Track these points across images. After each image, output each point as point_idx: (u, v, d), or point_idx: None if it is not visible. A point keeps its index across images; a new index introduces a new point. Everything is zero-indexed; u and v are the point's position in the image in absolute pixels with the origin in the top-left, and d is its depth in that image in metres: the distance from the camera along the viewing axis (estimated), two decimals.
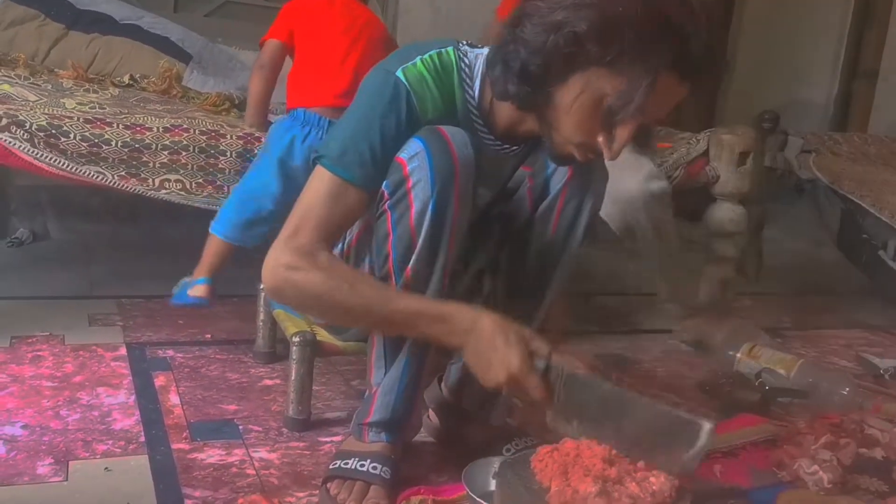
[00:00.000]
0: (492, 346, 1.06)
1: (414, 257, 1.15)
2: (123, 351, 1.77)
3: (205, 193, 1.72)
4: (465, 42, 1.23)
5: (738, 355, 1.95)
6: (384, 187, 1.15)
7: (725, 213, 2.21)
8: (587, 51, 1.03)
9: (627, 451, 1.05)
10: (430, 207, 1.13)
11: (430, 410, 1.47)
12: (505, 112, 1.19)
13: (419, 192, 1.13)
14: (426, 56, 1.18)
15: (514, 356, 1.05)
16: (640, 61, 1.01)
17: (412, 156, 1.12)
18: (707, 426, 1.00)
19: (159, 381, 1.63)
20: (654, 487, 0.96)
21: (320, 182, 1.14)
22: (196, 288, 1.83)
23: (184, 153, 1.73)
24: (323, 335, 1.46)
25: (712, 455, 1.47)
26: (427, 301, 1.14)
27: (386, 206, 1.16)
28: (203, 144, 1.76)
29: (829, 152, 2.94)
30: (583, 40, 1.03)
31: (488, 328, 1.07)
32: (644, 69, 1.01)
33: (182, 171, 1.71)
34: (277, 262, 1.11)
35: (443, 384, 1.45)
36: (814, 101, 4.76)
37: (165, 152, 1.72)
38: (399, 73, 1.15)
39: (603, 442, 1.05)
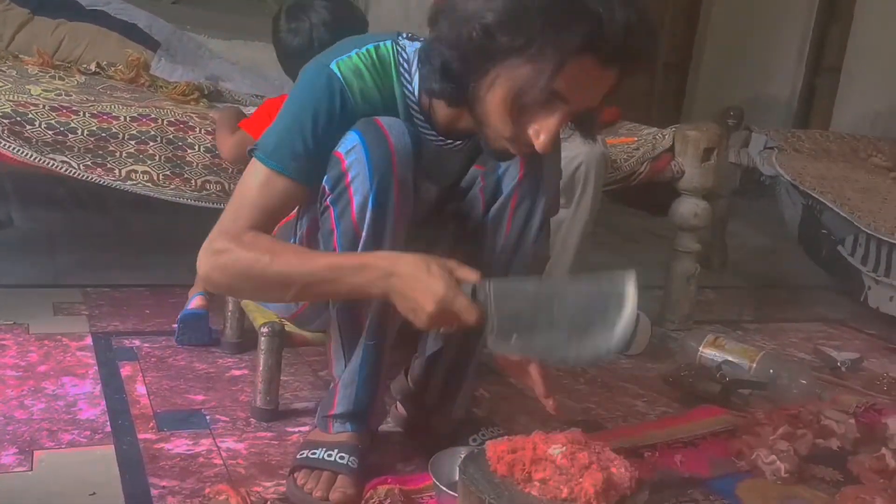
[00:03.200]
0: (415, 281, 1.06)
1: (360, 251, 1.16)
2: (89, 340, 1.75)
3: (172, 186, 1.70)
4: (405, 35, 1.22)
5: (702, 347, 1.99)
6: (324, 183, 1.16)
7: (690, 207, 2.25)
8: (499, 42, 1.02)
9: (566, 347, 1.04)
10: (370, 200, 1.13)
11: (397, 401, 1.48)
12: (442, 108, 1.19)
13: (358, 186, 1.13)
14: (363, 50, 1.17)
15: (438, 284, 1.05)
16: (552, 46, 0.99)
17: (349, 149, 1.13)
18: (629, 283, 1.01)
19: (126, 370, 1.62)
20: (614, 479, 0.98)
21: (254, 174, 1.15)
22: (195, 301, 1.84)
23: (151, 143, 1.72)
24: (291, 326, 1.47)
25: (673, 445, 1.51)
26: (346, 255, 1.15)
27: (328, 201, 1.16)
28: (171, 136, 1.75)
29: (791, 149, 3.00)
30: (493, 31, 1.02)
31: (408, 266, 1.07)
32: (558, 54, 0.99)
33: (150, 162, 1.70)
34: (207, 249, 1.13)
35: (408, 375, 1.47)
36: (778, 97, 4.84)
37: (132, 142, 1.70)
38: (333, 66, 1.14)
39: (545, 347, 1.05)
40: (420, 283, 1.05)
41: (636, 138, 2.31)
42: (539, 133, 1.07)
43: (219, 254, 1.12)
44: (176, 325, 1.81)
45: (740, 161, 2.99)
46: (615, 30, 0.99)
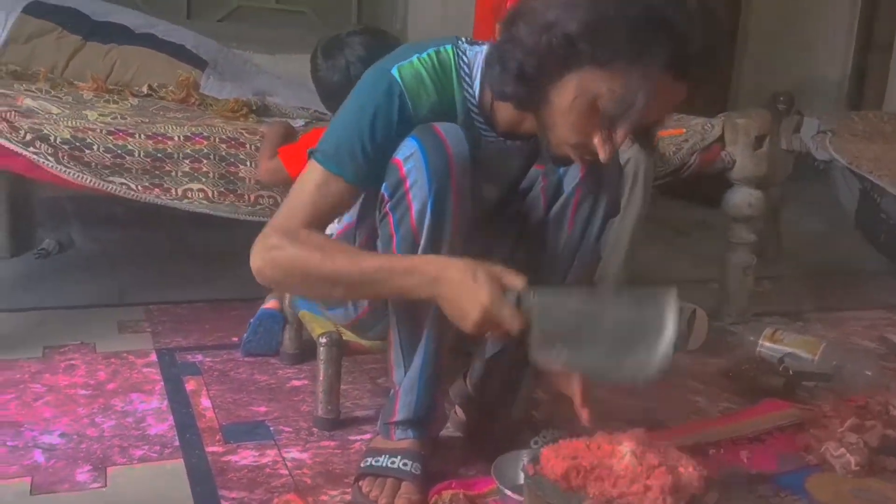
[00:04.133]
0: (461, 287, 1.06)
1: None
2: (154, 357, 1.80)
3: (227, 202, 1.74)
4: (464, 39, 1.23)
5: (761, 340, 1.96)
6: (383, 190, 1.17)
7: (743, 197, 2.21)
8: (579, 51, 1.03)
9: (605, 365, 1.05)
10: (428, 206, 1.14)
11: (457, 406, 1.49)
12: (506, 112, 1.20)
13: (417, 192, 1.14)
14: (424, 55, 1.19)
15: (483, 291, 1.05)
16: (634, 62, 1.00)
17: (408, 156, 1.14)
18: (669, 304, 1.00)
19: (190, 385, 1.66)
20: (681, 480, 0.97)
21: (312, 175, 1.17)
22: (270, 302, 1.89)
23: (205, 161, 1.75)
24: (348, 335, 1.49)
25: (739, 441, 1.49)
26: (396, 257, 1.16)
27: (387, 208, 1.18)
28: (223, 153, 1.78)
29: (845, 132, 2.92)
30: (574, 41, 1.03)
31: (456, 272, 1.07)
32: (639, 70, 1.00)
33: (204, 180, 1.73)
34: (261, 244, 1.15)
35: (467, 380, 1.47)
36: (828, 78, 4.72)
37: (187, 161, 1.74)
38: (394, 71, 1.16)
39: (586, 364, 1.05)
40: (466, 289, 1.06)
41: (684, 129, 2.27)
42: (605, 143, 1.08)
43: (272, 249, 1.14)
44: (250, 324, 1.84)
45: (793, 147, 2.93)
46: (695, 49, 1.00)
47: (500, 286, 1.07)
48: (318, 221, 1.17)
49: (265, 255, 1.15)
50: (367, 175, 1.16)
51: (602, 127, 1.07)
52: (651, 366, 1.01)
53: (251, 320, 1.86)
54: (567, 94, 1.07)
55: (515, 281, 1.08)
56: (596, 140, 1.09)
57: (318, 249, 1.13)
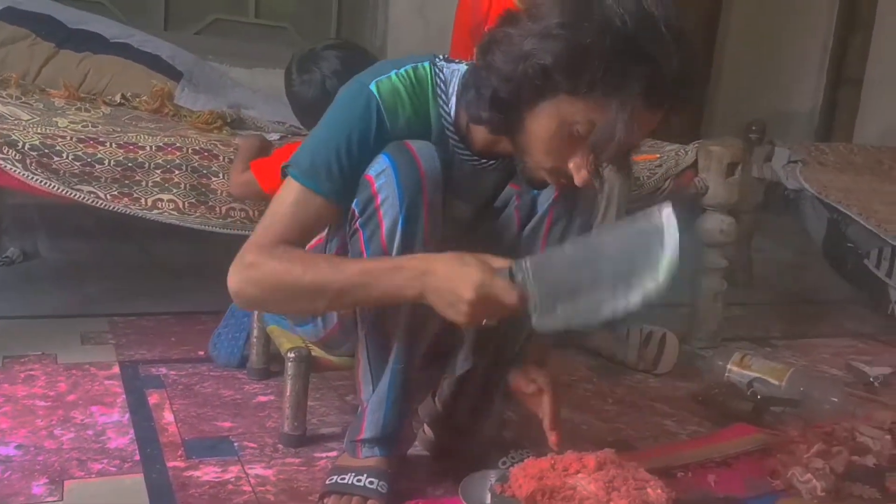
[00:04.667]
0: (451, 273, 1.05)
1: None
2: (117, 369, 1.76)
3: (197, 214, 1.71)
4: (441, 56, 1.24)
5: (729, 365, 1.97)
6: (354, 206, 1.16)
7: (715, 223, 2.23)
8: (554, 81, 1.04)
9: (614, 299, 1.00)
10: (399, 224, 1.13)
11: (425, 424, 1.47)
12: (480, 132, 1.20)
13: (388, 209, 1.13)
14: (402, 70, 1.19)
15: (473, 270, 1.04)
16: (609, 91, 1.01)
17: (379, 172, 1.13)
18: (667, 213, 0.97)
19: (153, 398, 1.63)
20: (650, 499, 0.96)
21: (288, 192, 1.16)
22: None
23: (176, 172, 1.73)
24: (317, 351, 1.47)
25: (706, 465, 1.49)
26: (379, 259, 1.14)
27: (357, 224, 1.17)
28: (196, 164, 1.76)
29: (815, 162, 2.98)
30: (549, 71, 1.03)
31: (443, 262, 1.06)
32: (614, 99, 1.01)
33: (175, 191, 1.71)
34: (238, 264, 1.13)
35: (436, 398, 1.46)
36: (799, 110, 4.81)
37: (158, 171, 1.72)
38: (372, 86, 1.15)
39: (594, 308, 1.01)
40: (455, 274, 1.04)
41: (658, 155, 2.30)
42: (580, 168, 1.08)
43: (250, 267, 1.12)
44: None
45: (764, 176, 2.97)
46: (671, 76, 1.01)
47: (489, 267, 1.05)
48: (296, 238, 1.15)
49: (244, 273, 1.12)
50: (343, 191, 1.15)
51: (578, 152, 1.08)
52: (659, 278, 0.97)
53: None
54: (542, 122, 1.08)
55: (503, 262, 1.07)
56: (571, 165, 1.09)
57: (298, 261, 1.11)
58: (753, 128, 3.05)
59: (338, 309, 1.25)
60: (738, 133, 2.94)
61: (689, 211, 2.27)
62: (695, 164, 2.23)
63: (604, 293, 1.01)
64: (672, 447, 1.59)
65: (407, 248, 1.14)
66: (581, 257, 1.05)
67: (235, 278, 1.13)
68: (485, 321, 1.08)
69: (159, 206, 1.70)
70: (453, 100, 1.20)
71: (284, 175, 1.19)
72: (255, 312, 1.75)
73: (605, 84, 1.01)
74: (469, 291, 1.03)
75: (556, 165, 1.11)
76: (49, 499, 1.22)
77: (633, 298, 0.99)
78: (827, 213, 2.71)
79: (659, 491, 1.00)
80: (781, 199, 2.98)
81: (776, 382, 1.87)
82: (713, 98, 4.63)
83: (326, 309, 1.25)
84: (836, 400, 1.78)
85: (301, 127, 2.22)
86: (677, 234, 0.97)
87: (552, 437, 1.21)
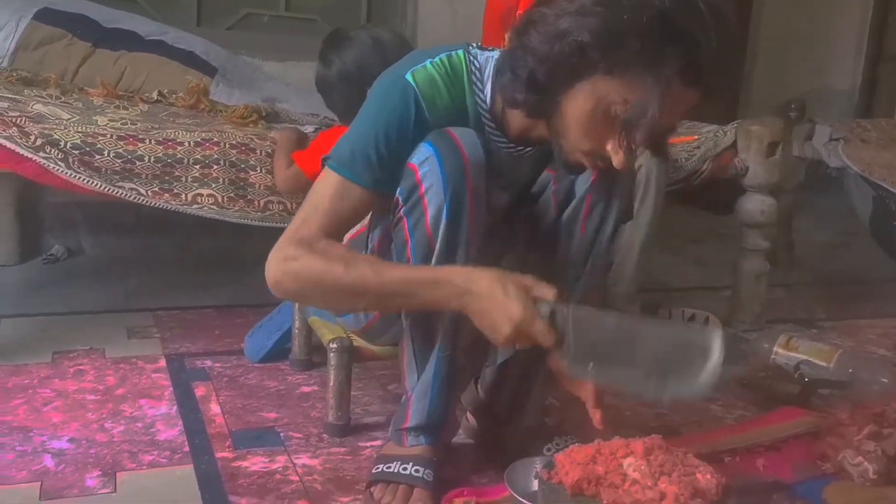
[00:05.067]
0: (491, 300, 1.05)
1: (434, 261, 1.16)
2: (163, 363, 1.79)
3: (236, 208, 1.73)
4: (475, 45, 1.23)
5: (775, 347, 1.94)
6: (398, 194, 1.16)
7: (756, 204, 2.19)
8: (591, 59, 1.03)
9: (645, 384, 1.04)
10: (444, 211, 1.13)
11: (468, 412, 1.48)
12: (516, 117, 1.19)
13: (433, 197, 1.13)
14: (436, 59, 1.18)
15: (515, 305, 1.04)
16: (646, 70, 1.00)
17: (423, 161, 1.13)
18: (717, 337, 1.00)
19: (200, 391, 1.65)
20: (700, 485, 0.95)
21: (327, 182, 1.16)
22: None
23: (215, 167, 1.75)
24: (359, 341, 1.47)
25: (754, 449, 1.47)
26: (421, 268, 1.14)
27: (402, 212, 1.17)
28: (233, 158, 1.78)
29: (857, 139, 2.91)
30: (586, 49, 1.02)
31: (485, 284, 1.06)
32: (652, 78, 1.00)
33: (214, 185, 1.73)
34: (277, 255, 1.13)
35: (479, 386, 1.46)
36: (838, 88, 4.71)
37: (197, 166, 1.73)
38: (408, 76, 1.15)
39: (621, 383, 1.05)
40: (497, 303, 1.05)
41: (696, 136, 2.26)
42: (618, 150, 1.07)
43: (290, 260, 1.12)
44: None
45: (805, 154, 2.91)
46: (708, 53, 0.99)
47: (530, 299, 1.06)
48: (335, 230, 1.16)
49: (282, 266, 1.12)
50: (383, 180, 1.15)
51: (615, 134, 1.06)
52: (692, 390, 1.01)
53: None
54: (579, 102, 1.07)
55: (546, 292, 1.07)
56: (609, 147, 1.08)
57: (340, 261, 1.11)
58: (793, 106, 2.99)
59: (378, 311, 1.26)
60: (776, 112, 2.88)
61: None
62: (734, 145, 2.19)
63: (636, 376, 1.04)
64: (719, 432, 1.57)
65: (452, 235, 1.14)
66: (624, 334, 1.06)
67: (274, 270, 1.13)
68: (518, 345, 1.10)
69: (199, 200, 1.71)
70: (489, 86, 1.20)
71: (323, 165, 1.19)
72: (297, 304, 1.76)
73: (642, 62, 1.00)
74: (507, 326, 1.05)
75: (593, 148, 1.10)
76: (102, 491, 1.25)
77: (663, 395, 1.05)
78: (872, 190, 2.65)
79: (709, 476, 0.98)
80: (823, 178, 2.92)
81: (824, 364, 1.83)
82: (750, 77, 4.55)
83: (366, 309, 1.26)
84: (885, 381, 1.74)
85: (334, 119, 2.23)
86: (720, 362, 1.00)
87: (596, 416, 1.19)
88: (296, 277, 1.13)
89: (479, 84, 1.20)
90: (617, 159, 1.08)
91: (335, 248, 1.13)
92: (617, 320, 1.09)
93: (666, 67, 0.99)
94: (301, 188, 1.74)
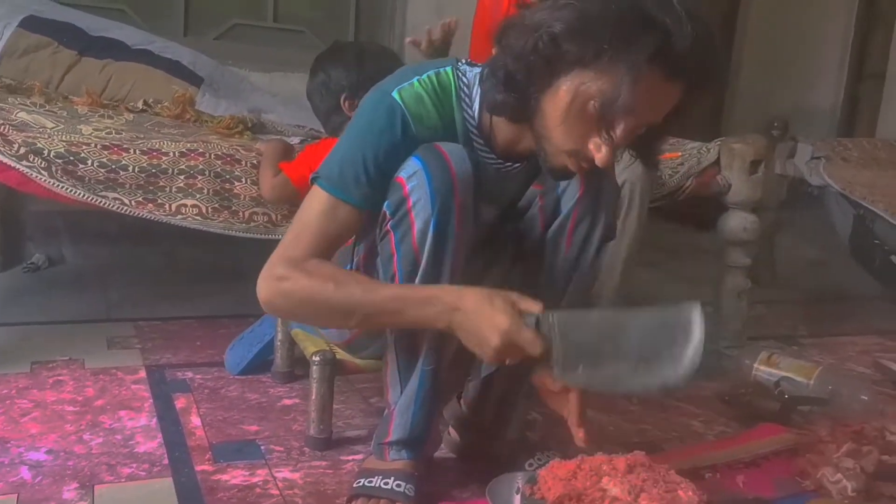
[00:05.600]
0: (479, 315, 1.07)
1: (419, 275, 1.16)
2: (143, 374, 1.78)
3: (221, 218, 1.72)
4: (463, 61, 1.24)
5: (756, 364, 1.95)
6: (385, 208, 1.16)
7: (739, 221, 2.21)
8: (566, 52, 1.04)
9: (633, 377, 1.05)
10: (431, 225, 1.13)
11: (451, 427, 1.47)
12: (503, 129, 1.20)
13: (420, 211, 1.13)
14: (423, 77, 1.19)
15: (501, 317, 1.05)
16: (620, 60, 1.00)
17: (411, 175, 1.13)
18: (696, 311, 1.01)
19: (180, 403, 1.64)
20: (682, 502, 0.96)
21: (316, 201, 1.16)
22: None
23: (200, 177, 1.74)
24: (342, 354, 1.47)
25: (735, 465, 1.47)
26: (411, 287, 1.15)
27: (388, 226, 1.17)
28: (218, 169, 1.77)
29: (839, 158, 2.95)
30: (560, 42, 1.03)
31: (472, 300, 1.08)
32: (624, 66, 1.00)
33: (198, 196, 1.72)
34: (268, 274, 1.14)
35: (462, 400, 1.46)
36: (820, 106, 4.76)
37: (182, 177, 1.73)
38: (395, 94, 1.16)
39: (612, 379, 1.05)
40: (484, 317, 1.06)
41: (680, 153, 2.28)
42: (600, 146, 1.07)
43: (281, 280, 1.13)
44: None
45: (786, 173, 2.94)
46: (683, 43, 0.99)
47: (517, 311, 1.07)
48: (325, 249, 1.16)
49: (273, 286, 1.13)
50: (371, 198, 1.16)
51: (597, 131, 1.07)
52: (678, 373, 1.02)
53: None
54: (559, 100, 1.07)
55: (532, 306, 1.08)
56: (591, 145, 1.08)
57: (331, 280, 1.12)
58: (775, 124, 3.02)
59: (368, 328, 1.26)
60: (759, 130, 2.91)
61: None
62: (717, 162, 2.20)
63: (624, 370, 1.05)
64: (699, 448, 1.58)
65: (438, 249, 1.14)
66: (607, 329, 1.07)
67: (265, 289, 1.14)
68: (508, 361, 1.10)
69: (183, 211, 1.71)
70: (476, 103, 1.20)
71: (312, 183, 1.19)
72: (279, 319, 1.75)
73: (614, 49, 1.00)
74: (495, 338, 1.05)
75: (575, 147, 1.09)
76: (80, 503, 1.23)
77: (651, 384, 1.04)
78: (852, 209, 2.69)
79: (690, 493, 0.99)
80: (805, 197, 2.95)
81: (804, 381, 1.85)
82: (733, 95, 4.60)
83: (356, 326, 1.25)
84: (865, 398, 1.76)
85: (321, 130, 2.23)
86: (703, 336, 1.00)
87: (579, 434, 1.20)
88: (287, 297, 1.14)
89: (467, 101, 1.20)
90: (599, 157, 1.07)
91: (325, 268, 1.14)
92: (599, 315, 1.10)
93: (638, 55, 0.99)
94: (287, 197, 1.74)
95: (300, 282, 1.12)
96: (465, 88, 1.20)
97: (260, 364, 1.81)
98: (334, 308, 1.12)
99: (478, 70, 1.21)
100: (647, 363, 1.03)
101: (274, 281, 1.13)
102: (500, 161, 1.23)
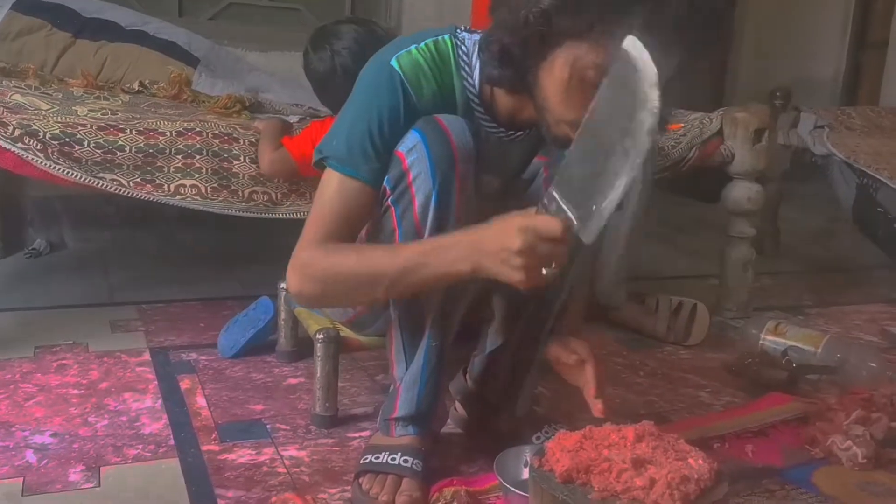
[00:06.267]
0: (495, 230, 1.03)
1: None
2: (147, 356, 1.77)
3: (220, 198, 1.70)
4: (462, 28, 1.22)
5: (763, 334, 1.94)
6: (385, 182, 1.15)
7: (743, 191, 2.19)
8: (558, 25, 1.02)
9: (626, 159, 0.94)
10: (432, 199, 1.12)
11: (457, 402, 1.47)
12: (504, 98, 1.18)
13: (420, 185, 1.12)
14: (422, 44, 1.17)
15: (513, 218, 1.02)
16: (613, 29, 0.97)
17: (410, 148, 1.12)
18: (628, 44, 0.91)
19: (185, 384, 1.63)
20: (690, 472, 0.94)
21: (330, 183, 1.15)
22: None
23: (198, 157, 1.72)
24: (346, 332, 1.46)
25: (743, 435, 1.47)
26: (428, 240, 1.13)
27: (389, 201, 1.16)
28: (216, 148, 1.75)
29: (842, 127, 2.91)
30: (550, 14, 1.02)
31: (486, 227, 1.04)
32: (620, 36, 0.96)
33: (197, 176, 1.70)
34: (293, 265, 1.14)
35: (468, 375, 1.45)
36: (822, 75, 4.73)
37: (179, 156, 1.71)
38: (393, 62, 1.14)
39: (621, 183, 0.94)
40: (500, 229, 1.02)
41: (682, 124, 2.26)
42: None
43: (306, 266, 1.13)
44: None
45: (790, 142, 2.91)
46: (676, 7, 0.97)
47: (527, 212, 1.03)
48: (346, 231, 1.15)
49: (299, 273, 1.14)
50: (382, 171, 1.15)
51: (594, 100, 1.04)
52: (650, 105, 0.91)
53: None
54: (555, 72, 1.06)
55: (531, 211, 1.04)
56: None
57: (353, 252, 1.12)
58: (778, 94, 2.98)
59: (396, 295, 1.21)
60: (761, 100, 2.88)
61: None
62: (720, 133, 2.18)
63: (616, 157, 0.95)
64: (707, 418, 1.57)
65: (440, 223, 1.13)
66: (584, 144, 1.01)
67: (294, 279, 1.14)
68: (544, 270, 1.02)
69: (182, 191, 1.69)
70: (476, 71, 1.18)
71: (319, 165, 1.18)
72: (281, 295, 1.74)
73: (608, 22, 0.98)
74: (515, 239, 0.99)
75: (576, 117, 1.06)
76: (86, 485, 1.23)
77: (641, 142, 0.93)
78: (856, 178, 2.66)
79: (700, 461, 0.97)
80: (808, 166, 2.92)
81: (812, 349, 1.84)
82: (735, 65, 4.56)
83: (385, 296, 1.21)
84: (873, 366, 1.75)
85: (319, 109, 2.21)
86: (647, 56, 0.91)
87: (597, 406, 1.18)
88: (314, 280, 1.14)
89: (467, 69, 1.19)
90: None
91: (344, 245, 1.14)
92: (573, 147, 1.03)
93: (630, 21, 0.96)
94: (286, 172, 1.73)
95: (322, 262, 1.12)
96: (465, 56, 1.19)
97: (253, 348, 1.80)
98: (361, 279, 1.12)
99: (477, 37, 1.19)
100: (627, 130, 0.93)
101: (300, 269, 1.14)
102: (502, 130, 1.21)
